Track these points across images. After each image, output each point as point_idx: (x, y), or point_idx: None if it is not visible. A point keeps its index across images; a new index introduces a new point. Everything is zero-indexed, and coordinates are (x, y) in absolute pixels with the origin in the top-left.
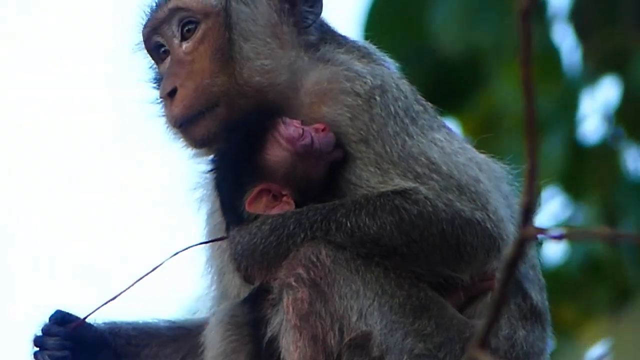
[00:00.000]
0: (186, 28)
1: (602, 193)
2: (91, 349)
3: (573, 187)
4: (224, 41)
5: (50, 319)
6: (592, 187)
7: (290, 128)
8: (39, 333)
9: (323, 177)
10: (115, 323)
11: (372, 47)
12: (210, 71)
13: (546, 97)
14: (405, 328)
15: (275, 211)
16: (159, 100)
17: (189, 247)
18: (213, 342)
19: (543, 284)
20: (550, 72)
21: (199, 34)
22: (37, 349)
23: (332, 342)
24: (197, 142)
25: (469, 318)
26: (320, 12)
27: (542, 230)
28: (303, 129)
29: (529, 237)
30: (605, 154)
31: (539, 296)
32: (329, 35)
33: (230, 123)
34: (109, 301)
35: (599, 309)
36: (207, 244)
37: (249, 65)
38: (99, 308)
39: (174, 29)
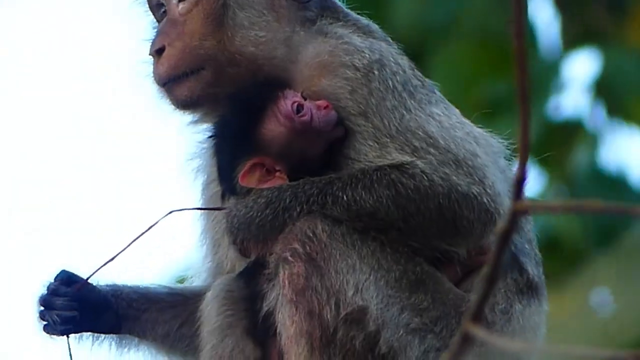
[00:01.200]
0: None
1: (566, 171)
2: (94, 310)
3: (544, 162)
4: (219, 6)
5: (55, 279)
6: (559, 164)
7: (289, 103)
8: (46, 293)
9: (320, 154)
10: (117, 285)
11: (371, 24)
12: (200, 33)
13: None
14: (401, 302)
15: (267, 186)
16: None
17: (184, 209)
18: (209, 317)
19: (539, 258)
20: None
21: None
22: (44, 308)
23: (328, 316)
24: (180, 103)
25: (465, 292)
26: None
27: (534, 204)
28: (304, 105)
29: (521, 211)
30: (577, 129)
31: (535, 270)
32: (329, 10)
33: (232, 92)
34: (108, 262)
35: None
36: (203, 211)
37: (242, 33)
38: (99, 269)
39: None
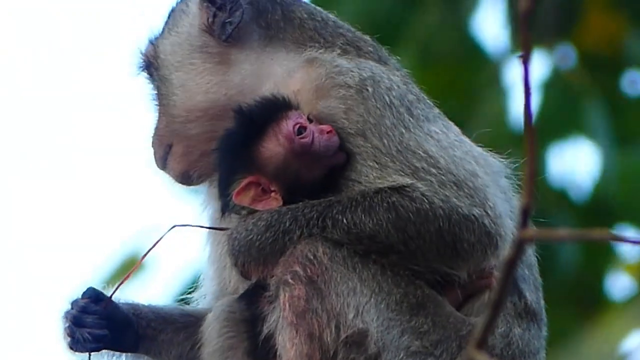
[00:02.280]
0: (149, 80)
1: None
2: (117, 328)
3: None
4: (160, 80)
5: (83, 295)
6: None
7: (291, 124)
8: (75, 311)
9: (318, 179)
10: (136, 304)
11: (349, 35)
12: (157, 115)
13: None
14: (402, 325)
15: (260, 206)
16: None
17: (187, 225)
18: (210, 338)
19: (539, 283)
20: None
21: (153, 82)
22: (74, 325)
23: (329, 339)
24: (178, 182)
25: (466, 316)
26: (240, 18)
27: (540, 233)
28: (307, 127)
29: (528, 239)
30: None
31: (533, 296)
32: (299, 30)
33: (242, 107)
34: (125, 279)
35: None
36: (210, 233)
37: (182, 91)
38: (119, 286)
39: (147, 83)
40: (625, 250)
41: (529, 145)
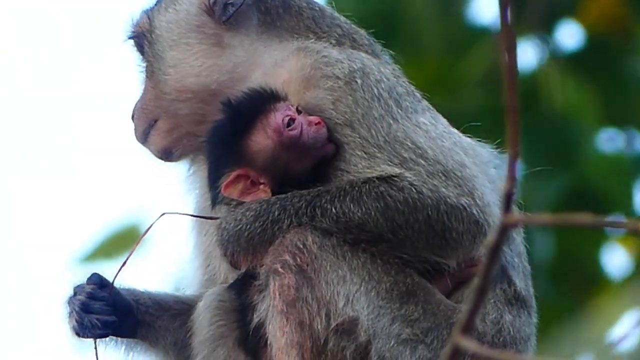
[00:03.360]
0: (139, 52)
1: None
2: (120, 314)
3: None
4: (153, 55)
5: (88, 281)
6: None
7: (280, 116)
8: (83, 297)
9: (306, 170)
10: (135, 290)
11: (345, 26)
12: (146, 89)
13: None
14: (392, 313)
15: (249, 198)
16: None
17: (176, 213)
18: (201, 327)
19: (529, 271)
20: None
21: (144, 54)
22: (82, 311)
23: (319, 327)
24: (158, 157)
25: (456, 303)
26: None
27: (524, 217)
28: (296, 119)
29: (511, 224)
30: None
31: (522, 284)
32: (296, 19)
33: (230, 99)
34: (122, 266)
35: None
36: (196, 223)
37: (174, 70)
38: (119, 272)
39: (137, 54)
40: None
41: (511, 128)
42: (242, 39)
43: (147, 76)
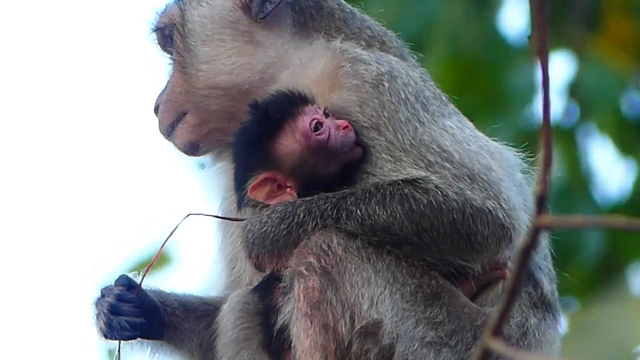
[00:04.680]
0: (167, 43)
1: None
2: (147, 316)
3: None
4: (184, 49)
5: (117, 283)
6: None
7: (308, 120)
8: (112, 299)
9: (333, 174)
10: (162, 292)
11: (383, 31)
12: (176, 82)
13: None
14: (416, 316)
15: (275, 201)
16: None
17: (201, 214)
18: (225, 330)
19: (553, 275)
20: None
21: (173, 46)
22: (111, 314)
23: (343, 330)
24: (182, 150)
25: (480, 306)
26: None
27: (556, 219)
28: (323, 123)
29: (543, 226)
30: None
31: (549, 287)
32: (327, 20)
33: (257, 102)
34: (149, 267)
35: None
36: (221, 225)
37: (207, 67)
38: (145, 273)
39: (162, 46)
40: None
41: (544, 131)
42: (275, 38)
43: (176, 69)
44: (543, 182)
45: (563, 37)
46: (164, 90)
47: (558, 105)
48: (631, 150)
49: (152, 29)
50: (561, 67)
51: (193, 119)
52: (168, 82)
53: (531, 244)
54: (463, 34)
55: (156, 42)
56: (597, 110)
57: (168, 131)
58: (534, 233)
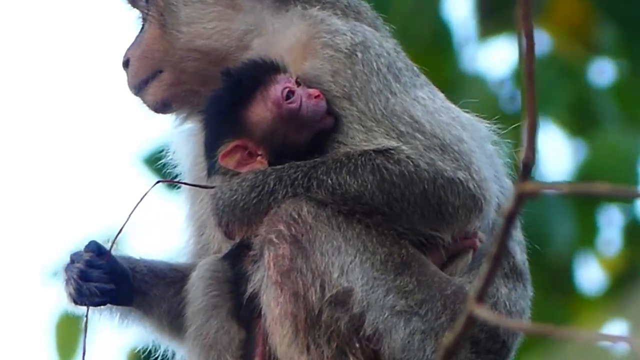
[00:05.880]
0: None
1: None
2: (117, 282)
3: None
4: (165, 8)
5: (86, 249)
6: None
7: (280, 88)
8: (81, 265)
9: (304, 142)
10: (131, 258)
11: (358, 2)
12: (153, 38)
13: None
14: (386, 285)
15: (246, 169)
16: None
17: (171, 181)
18: (194, 298)
19: (524, 245)
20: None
21: (151, 2)
22: (80, 280)
23: (313, 298)
24: (151, 107)
25: (450, 276)
26: None
27: (541, 186)
28: (295, 92)
29: (528, 192)
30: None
31: (520, 256)
32: None
33: (229, 68)
34: (119, 233)
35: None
36: (188, 193)
37: (188, 29)
38: (115, 239)
39: (132, 1)
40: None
41: (528, 98)
42: (254, 4)
43: (153, 25)
44: (528, 149)
45: (509, 21)
46: (135, 44)
47: (505, 91)
48: (579, 133)
49: None
50: (507, 52)
51: (169, 77)
52: (141, 37)
53: (515, 211)
54: (411, 25)
55: None
56: (544, 94)
57: (140, 86)
58: (519, 200)
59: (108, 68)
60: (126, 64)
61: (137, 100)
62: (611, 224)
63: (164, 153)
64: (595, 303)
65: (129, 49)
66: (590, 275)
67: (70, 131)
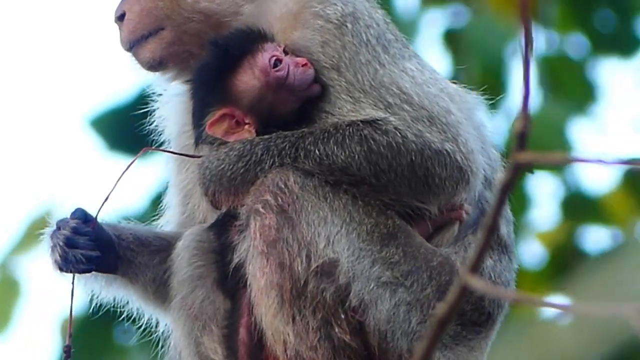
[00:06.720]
0: None
1: None
2: (103, 249)
3: None
4: None
5: (72, 216)
6: None
7: (267, 56)
8: (67, 232)
9: (292, 111)
10: (117, 225)
11: None
12: None
13: None
14: (372, 256)
15: (233, 138)
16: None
17: (158, 150)
18: (180, 267)
19: (510, 218)
20: None
21: None
22: (66, 246)
23: (299, 268)
24: (145, 64)
25: (436, 247)
26: None
27: (536, 156)
28: (282, 60)
29: (523, 162)
30: None
31: (505, 229)
32: None
33: (216, 38)
34: (105, 200)
35: None
36: (173, 162)
37: None
38: (101, 207)
39: None
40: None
41: (524, 68)
42: None
43: None
44: (523, 119)
45: None
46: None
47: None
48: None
49: None
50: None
51: (170, 36)
52: None
53: (511, 181)
54: None
55: None
56: (481, 63)
57: (138, 42)
58: (514, 170)
59: (64, 25)
60: (121, 17)
61: (130, 56)
62: (548, 196)
63: (112, 116)
64: (535, 277)
65: (123, 2)
66: (527, 249)
67: (15, 91)
